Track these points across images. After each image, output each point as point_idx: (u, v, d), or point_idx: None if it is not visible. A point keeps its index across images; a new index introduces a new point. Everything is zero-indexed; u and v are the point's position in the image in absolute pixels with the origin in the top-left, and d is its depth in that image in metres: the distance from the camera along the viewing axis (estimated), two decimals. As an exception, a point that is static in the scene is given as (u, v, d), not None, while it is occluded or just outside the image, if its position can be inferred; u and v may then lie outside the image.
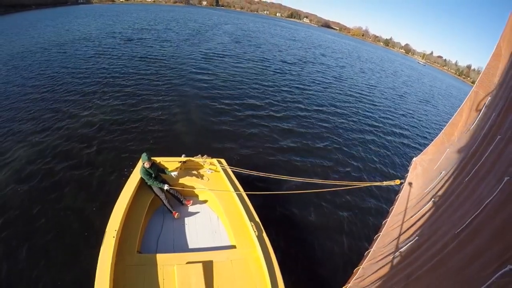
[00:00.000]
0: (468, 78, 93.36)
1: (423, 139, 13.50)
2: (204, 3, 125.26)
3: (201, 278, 3.26)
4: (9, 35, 22.56)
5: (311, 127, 11.13)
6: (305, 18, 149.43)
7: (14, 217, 5.06)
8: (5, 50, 17.31)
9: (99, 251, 3.33)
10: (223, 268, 3.52)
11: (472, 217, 1.83)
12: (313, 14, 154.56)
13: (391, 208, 4.21)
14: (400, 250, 2.57)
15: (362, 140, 11.09)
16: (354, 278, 3.29)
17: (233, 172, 5.35)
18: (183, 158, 5.45)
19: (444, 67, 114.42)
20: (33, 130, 8.16)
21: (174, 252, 3.84)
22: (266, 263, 3.54)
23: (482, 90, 2.78)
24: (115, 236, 3.53)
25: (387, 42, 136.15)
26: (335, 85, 19.61)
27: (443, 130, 3.54)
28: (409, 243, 2.47)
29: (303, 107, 13.26)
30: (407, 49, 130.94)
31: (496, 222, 1.72)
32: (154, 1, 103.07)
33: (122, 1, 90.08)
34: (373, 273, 2.86)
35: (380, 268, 2.71)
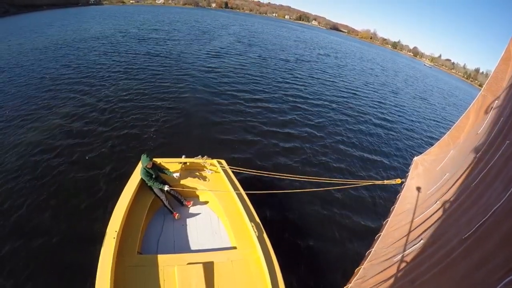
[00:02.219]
0: (476, 81, 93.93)
1: (422, 139, 13.52)
2: (213, 5, 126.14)
3: (202, 279, 3.26)
4: (30, 33, 24.25)
5: (311, 125, 11.12)
6: (313, 21, 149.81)
7: (8, 218, 5.01)
8: (37, 45, 19.08)
9: (99, 252, 3.31)
10: (224, 269, 3.51)
11: (480, 223, 1.82)
12: (322, 17, 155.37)
13: (392, 208, 4.18)
14: (404, 253, 2.56)
15: (361, 138, 11.09)
16: (355, 278, 3.28)
17: (234, 172, 5.33)
18: (183, 159, 5.40)
19: (452, 70, 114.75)
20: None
21: (174, 253, 3.83)
22: (267, 264, 3.53)
23: (490, 94, 2.75)
24: (115, 237, 3.50)
25: (395, 45, 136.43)
26: (335, 84, 19.60)
27: (448, 132, 3.51)
28: (414, 246, 2.46)
29: (303, 106, 13.24)
30: (415, 52, 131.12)
31: (503, 229, 1.71)
32: (163, 3, 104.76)
33: (132, 3, 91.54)
34: (375, 275, 2.85)
35: (383, 270, 2.70)
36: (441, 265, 1.92)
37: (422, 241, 2.40)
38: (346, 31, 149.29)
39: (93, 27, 28.92)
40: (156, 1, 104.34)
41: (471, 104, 3.13)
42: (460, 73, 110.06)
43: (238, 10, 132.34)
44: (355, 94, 18.21)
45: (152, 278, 3.25)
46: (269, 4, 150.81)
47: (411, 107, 19.58)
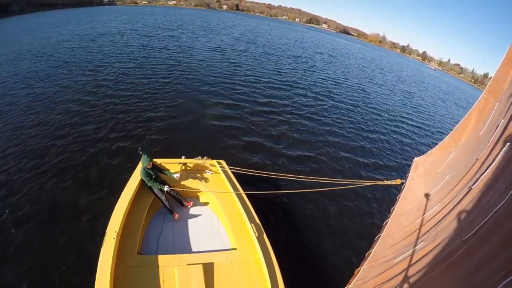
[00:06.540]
0: (483, 86, 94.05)
1: (422, 139, 13.52)
2: (225, 7, 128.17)
3: (201, 279, 3.25)
4: (56, 28, 26.70)
5: (310, 125, 11.12)
6: (323, 24, 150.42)
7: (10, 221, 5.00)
8: (65, 37, 21.42)
9: (99, 252, 3.30)
10: (224, 269, 3.51)
11: (481, 224, 1.82)
12: (332, 20, 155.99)
13: (392, 209, 4.18)
14: (405, 255, 2.56)
15: (361, 138, 11.10)
16: (355, 279, 3.27)
17: (233, 173, 5.32)
18: (183, 159, 5.40)
19: (460, 75, 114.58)
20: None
21: (174, 253, 3.82)
22: (267, 265, 3.53)
23: (492, 97, 2.76)
24: (115, 238, 3.50)
25: (404, 49, 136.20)
26: (333, 83, 19.63)
27: (449, 134, 3.52)
28: (415, 248, 2.46)
29: (302, 106, 13.26)
30: (424, 56, 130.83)
31: (504, 231, 1.71)
32: (175, 4, 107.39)
33: (144, 4, 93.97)
34: (375, 276, 2.84)
35: (383, 271, 2.70)
36: (442, 266, 1.92)
37: (423, 242, 2.40)
38: (355, 34, 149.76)
39: (109, 25, 30.53)
40: (168, 2, 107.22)
41: (473, 106, 3.13)
42: (467, 78, 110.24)
43: (249, 12, 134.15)
44: (354, 93, 18.25)
45: (152, 279, 3.24)
46: (279, 6, 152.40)
47: (410, 106, 19.60)
